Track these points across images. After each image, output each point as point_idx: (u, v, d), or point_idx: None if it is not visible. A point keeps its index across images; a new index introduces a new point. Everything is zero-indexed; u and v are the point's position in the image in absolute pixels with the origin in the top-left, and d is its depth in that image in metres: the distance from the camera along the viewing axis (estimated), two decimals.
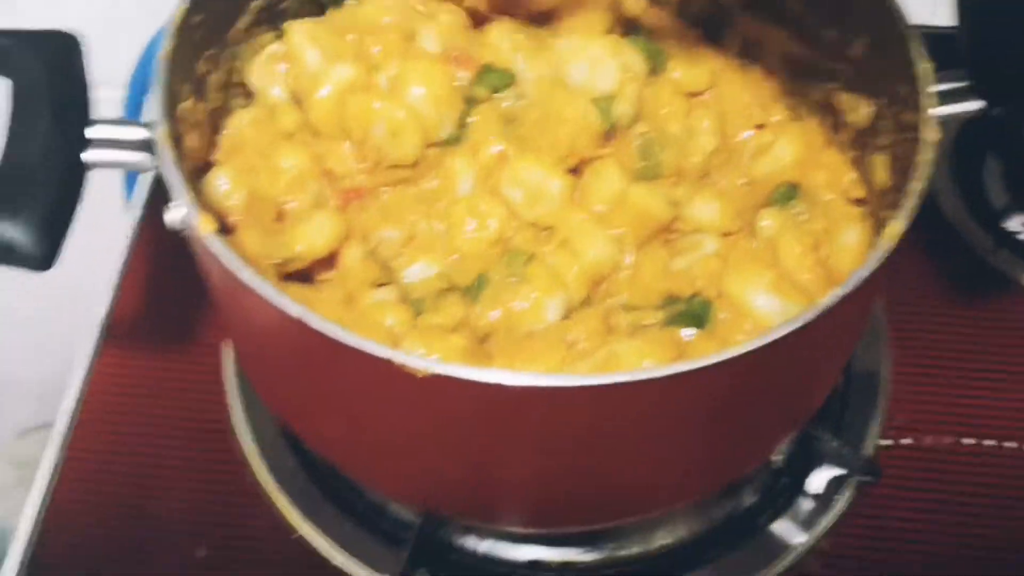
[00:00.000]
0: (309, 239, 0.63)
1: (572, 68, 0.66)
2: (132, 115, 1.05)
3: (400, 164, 0.65)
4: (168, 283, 0.87)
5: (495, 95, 0.67)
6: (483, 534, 0.72)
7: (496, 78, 0.66)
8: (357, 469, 0.65)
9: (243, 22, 0.68)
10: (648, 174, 0.65)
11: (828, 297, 0.51)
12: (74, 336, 0.98)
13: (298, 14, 0.71)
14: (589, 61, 0.65)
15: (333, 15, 0.71)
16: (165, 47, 0.60)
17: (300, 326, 0.50)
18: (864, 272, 0.52)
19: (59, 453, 0.78)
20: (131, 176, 1.11)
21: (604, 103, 0.66)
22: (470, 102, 0.66)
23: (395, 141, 0.63)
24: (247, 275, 0.52)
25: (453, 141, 0.66)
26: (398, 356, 0.48)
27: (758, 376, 0.53)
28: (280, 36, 0.70)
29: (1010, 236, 0.87)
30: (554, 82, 0.66)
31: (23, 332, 1.45)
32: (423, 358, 0.49)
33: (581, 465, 0.55)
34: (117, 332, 0.84)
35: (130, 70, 1.07)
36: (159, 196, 0.91)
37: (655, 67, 0.70)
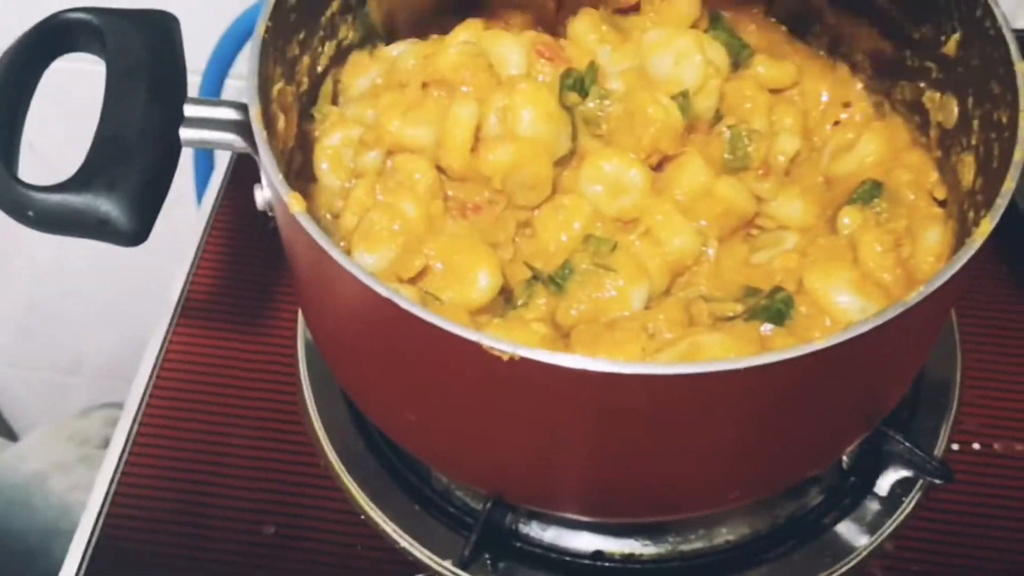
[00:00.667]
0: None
1: (656, 61, 0.66)
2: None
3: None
4: (242, 266, 0.88)
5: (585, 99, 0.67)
6: (547, 522, 0.73)
7: (583, 76, 0.66)
8: (431, 453, 0.65)
9: (333, 7, 0.69)
10: (735, 166, 0.65)
11: (912, 295, 0.51)
12: (138, 316, 1.00)
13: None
14: (674, 55, 0.65)
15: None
16: (259, 29, 0.61)
17: (390, 306, 0.51)
18: (950, 271, 0.52)
19: (130, 428, 0.80)
20: (201, 180, 1.13)
21: (686, 100, 0.66)
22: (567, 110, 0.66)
23: (530, 177, 0.64)
24: (337, 254, 0.53)
25: (569, 156, 0.66)
26: (486, 339, 0.49)
27: (836, 373, 0.53)
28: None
29: None
30: (639, 75, 0.66)
31: (87, 313, 1.48)
32: (509, 343, 0.49)
33: (655, 454, 0.55)
34: (191, 311, 0.86)
35: (205, 56, 1.08)
36: (237, 178, 0.93)
37: (738, 62, 0.70)
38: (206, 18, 1.03)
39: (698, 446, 0.55)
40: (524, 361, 0.49)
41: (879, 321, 0.50)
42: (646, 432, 0.54)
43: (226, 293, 0.87)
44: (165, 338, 0.84)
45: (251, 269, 0.88)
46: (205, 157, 1.12)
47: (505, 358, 0.49)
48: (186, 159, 1.14)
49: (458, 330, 0.50)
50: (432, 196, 0.64)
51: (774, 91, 0.70)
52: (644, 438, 0.54)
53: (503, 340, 0.49)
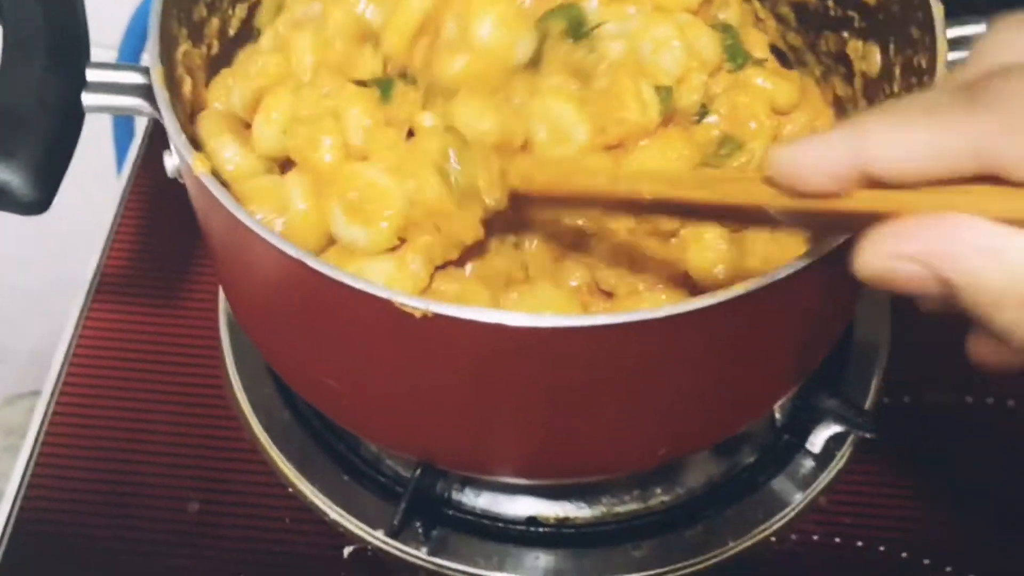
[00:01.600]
0: None
1: (639, 45, 0.64)
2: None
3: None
4: (159, 239, 0.86)
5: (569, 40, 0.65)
6: (480, 488, 0.72)
7: (568, 15, 0.64)
8: (355, 420, 0.64)
9: None
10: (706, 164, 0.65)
11: (835, 240, 0.50)
12: (61, 301, 0.98)
13: None
14: (654, 42, 0.64)
15: None
16: None
17: (300, 266, 0.49)
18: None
19: (46, 410, 0.77)
20: (122, 146, 1.10)
21: (667, 94, 0.64)
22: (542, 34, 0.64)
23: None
24: (244, 216, 0.51)
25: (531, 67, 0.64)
26: (397, 296, 0.48)
27: (760, 319, 0.52)
28: None
29: None
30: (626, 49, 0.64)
31: (9, 299, 1.44)
32: (421, 299, 0.48)
33: (581, 410, 0.54)
34: (107, 288, 0.83)
35: (121, 30, 1.06)
36: (153, 149, 0.91)
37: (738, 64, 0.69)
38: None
39: (623, 399, 0.54)
40: (437, 317, 0.48)
41: (801, 265, 0.50)
42: (568, 388, 0.53)
43: (143, 268, 0.85)
44: (80, 316, 0.82)
45: (168, 242, 0.85)
46: (125, 127, 1.10)
47: (418, 315, 0.48)
48: (107, 132, 1.12)
49: (369, 288, 0.48)
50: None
51: None
52: (566, 394, 0.54)
53: (414, 297, 0.48)
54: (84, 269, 0.85)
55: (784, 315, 0.54)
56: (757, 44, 0.72)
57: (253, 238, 0.51)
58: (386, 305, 0.48)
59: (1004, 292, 0.38)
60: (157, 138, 0.91)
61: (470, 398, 0.54)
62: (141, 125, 0.95)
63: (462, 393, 0.54)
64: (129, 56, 1.05)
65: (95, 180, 0.96)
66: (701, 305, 0.48)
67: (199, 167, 0.53)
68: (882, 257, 0.40)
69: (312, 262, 0.49)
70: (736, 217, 0.56)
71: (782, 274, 0.49)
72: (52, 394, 0.78)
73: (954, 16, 0.60)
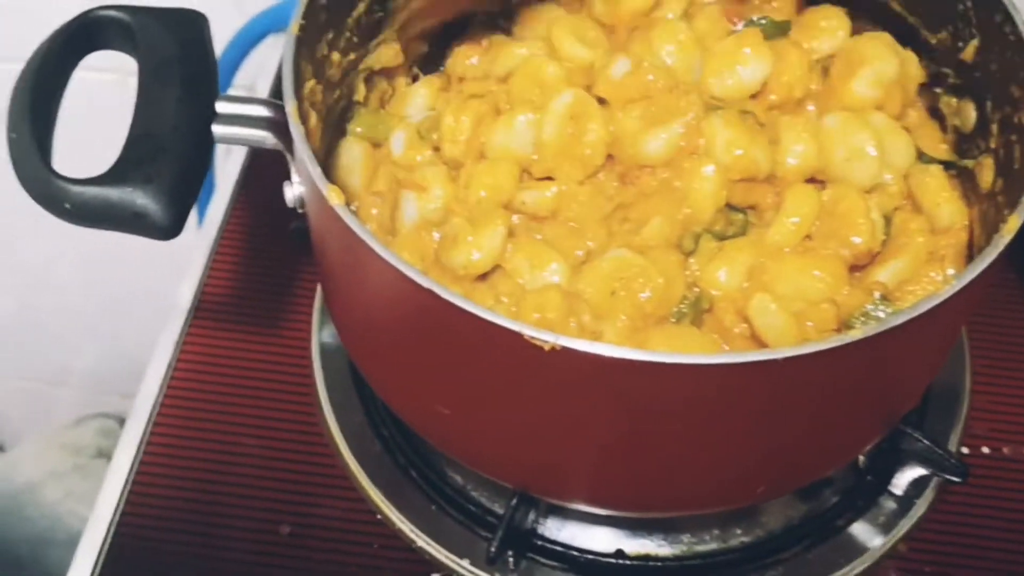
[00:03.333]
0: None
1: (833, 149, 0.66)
2: None
3: None
4: (255, 267, 0.89)
5: None
6: (564, 518, 0.74)
7: None
8: (460, 447, 0.66)
9: (360, 8, 0.70)
10: None
11: (944, 290, 0.52)
12: (125, 327, 0.99)
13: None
14: (848, 149, 0.66)
15: None
16: (294, 25, 0.62)
17: (430, 296, 0.51)
18: (980, 265, 0.53)
19: (144, 431, 0.79)
20: (203, 199, 1.13)
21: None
22: None
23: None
24: (378, 246, 0.53)
25: None
26: (528, 329, 0.50)
27: (852, 371, 0.54)
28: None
29: None
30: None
31: (74, 324, 1.47)
32: (550, 333, 0.50)
33: (693, 444, 0.56)
34: (203, 314, 0.86)
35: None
36: (251, 179, 0.93)
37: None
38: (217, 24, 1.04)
39: (734, 437, 0.56)
40: (564, 350, 0.49)
41: (910, 315, 0.51)
42: (677, 422, 0.55)
43: (239, 295, 0.87)
44: (178, 340, 0.84)
45: (264, 270, 0.88)
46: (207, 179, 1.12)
47: (547, 348, 0.49)
48: None
49: (499, 320, 0.50)
50: None
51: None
52: (674, 428, 0.55)
53: (544, 331, 0.50)
54: (152, 298, 0.87)
55: (885, 363, 0.56)
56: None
57: (384, 267, 0.53)
58: (515, 337, 0.50)
59: None
60: (256, 168, 0.94)
61: (587, 429, 0.56)
62: (235, 162, 0.97)
63: (579, 424, 0.56)
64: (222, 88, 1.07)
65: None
66: (813, 349, 0.50)
67: (334, 199, 0.55)
68: None
69: (444, 293, 0.51)
70: None
71: (917, 312, 0.50)
72: (149, 414, 0.80)
73: None
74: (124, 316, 1.36)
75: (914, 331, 0.51)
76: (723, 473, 0.59)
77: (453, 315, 0.51)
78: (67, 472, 1.33)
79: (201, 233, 0.90)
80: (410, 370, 0.61)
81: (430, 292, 0.51)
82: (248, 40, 1.07)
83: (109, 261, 1.29)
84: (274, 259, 0.88)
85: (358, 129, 0.72)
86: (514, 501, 0.69)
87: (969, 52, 0.67)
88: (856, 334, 0.49)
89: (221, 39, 1.06)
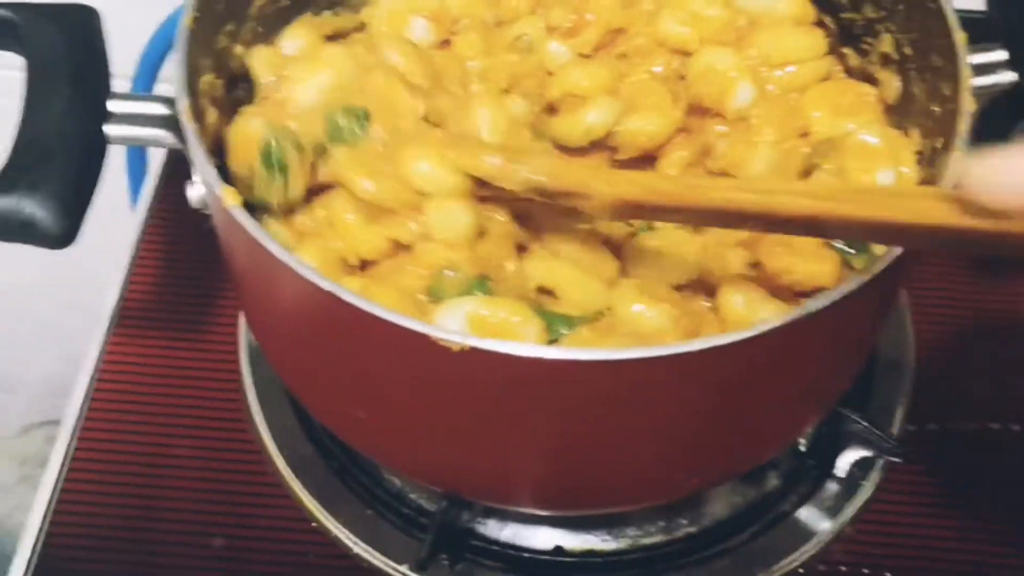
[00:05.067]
0: None
1: None
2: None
3: None
4: (179, 270, 0.86)
5: None
6: (504, 519, 0.71)
7: None
8: (383, 452, 0.64)
9: None
10: None
11: (860, 274, 0.50)
12: (77, 331, 0.97)
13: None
14: None
15: None
16: (186, 19, 0.59)
17: (331, 299, 0.49)
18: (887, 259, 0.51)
19: (69, 444, 0.77)
20: (136, 178, 1.10)
21: None
22: None
23: None
24: (274, 247, 0.51)
25: None
26: (435, 331, 0.47)
27: (781, 355, 0.52)
28: None
29: None
30: None
31: (19, 329, 1.44)
32: (458, 333, 0.48)
33: (612, 440, 0.54)
34: (128, 320, 0.83)
35: (136, 59, 1.05)
36: (170, 180, 0.90)
37: None
38: (138, 21, 1.01)
39: (655, 431, 0.54)
40: (474, 351, 0.47)
41: (824, 303, 0.49)
42: (599, 419, 0.53)
43: (164, 299, 0.84)
44: (102, 348, 0.81)
45: (188, 273, 0.85)
46: (138, 159, 1.09)
47: (455, 349, 0.47)
48: (119, 164, 1.11)
49: (406, 322, 0.48)
50: None
51: None
52: (598, 426, 0.53)
53: (452, 332, 0.47)
54: (97, 299, 0.85)
55: (804, 350, 0.54)
56: None
57: (284, 270, 0.50)
58: (423, 339, 0.47)
59: None
60: (176, 168, 0.91)
61: (502, 429, 0.54)
62: (155, 156, 0.95)
63: (494, 424, 0.54)
64: (143, 86, 1.04)
65: (108, 211, 0.95)
66: (732, 340, 0.48)
67: (229, 200, 0.53)
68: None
69: (345, 295, 0.48)
70: (844, 231, 0.54)
71: (820, 304, 0.48)
72: (75, 426, 0.77)
73: (975, 43, 0.60)
74: (74, 318, 1.33)
75: (829, 318, 0.49)
76: (648, 468, 0.57)
77: (357, 318, 0.49)
78: (13, 484, 1.31)
79: (114, 238, 0.87)
80: (322, 373, 0.59)
81: (332, 295, 0.49)
82: (172, 34, 1.04)
83: (59, 265, 1.26)
84: (201, 259, 0.85)
85: None
86: (444, 503, 0.67)
87: (893, 24, 0.66)
88: (773, 322, 0.47)
89: (147, 33, 1.03)
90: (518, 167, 0.56)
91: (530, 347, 0.48)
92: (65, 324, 1.38)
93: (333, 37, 0.71)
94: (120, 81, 1.01)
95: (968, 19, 0.61)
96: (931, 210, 0.46)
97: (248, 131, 0.60)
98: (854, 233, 0.53)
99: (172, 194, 0.89)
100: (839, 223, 0.50)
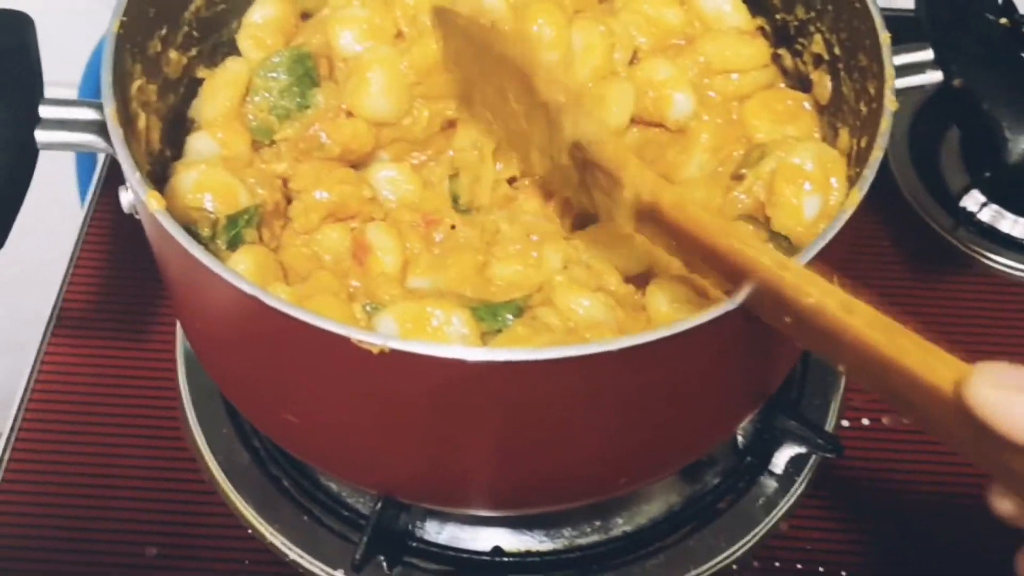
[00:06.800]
0: None
1: None
2: None
3: None
4: (118, 274, 0.85)
5: None
6: (442, 520, 0.72)
7: None
8: (315, 455, 0.63)
9: (197, 2, 0.67)
10: None
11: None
12: (23, 337, 0.96)
13: None
14: None
15: None
16: (114, 22, 0.59)
17: (255, 303, 0.49)
18: (821, 242, 0.52)
19: (4, 450, 0.76)
20: (84, 179, 1.09)
21: None
22: None
23: None
24: (199, 253, 0.51)
25: None
26: (355, 333, 0.48)
27: (712, 351, 0.53)
28: None
29: (968, 214, 0.88)
30: None
31: None
32: (378, 336, 0.48)
33: (538, 440, 0.54)
34: (66, 323, 0.82)
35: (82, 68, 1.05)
36: (111, 184, 0.90)
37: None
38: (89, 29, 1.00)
39: (581, 429, 0.54)
40: (395, 353, 0.47)
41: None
42: (525, 419, 0.53)
43: (103, 303, 0.84)
44: (38, 352, 0.81)
45: (128, 277, 0.85)
46: (87, 160, 1.08)
47: (376, 351, 0.47)
48: (69, 165, 1.10)
49: (326, 324, 0.48)
50: None
51: None
52: (523, 425, 0.53)
53: (373, 333, 0.48)
54: (40, 300, 0.84)
55: (735, 346, 0.54)
56: None
57: (208, 275, 0.50)
58: (343, 342, 0.47)
59: None
60: (115, 172, 0.90)
61: (429, 431, 0.54)
62: (100, 158, 0.95)
63: (421, 426, 0.54)
64: (89, 94, 1.03)
65: (58, 212, 0.94)
66: (654, 337, 0.48)
67: (154, 204, 0.53)
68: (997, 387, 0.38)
69: (268, 299, 0.49)
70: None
71: (728, 308, 0.49)
72: (11, 431, 0.77)
73: (901, 44, 0.61)
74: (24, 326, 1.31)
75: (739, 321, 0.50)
76: (573, 467, 0.57)
77: (282, 322, 0.49)
78: None
79: (65, 240, 0.87)
80: (252, 377, 0.59)
81: (254, 299, 0.49)
82: None
83: (10, 269, 1.24)
84: (141, 264, 0.85)
85: None
86: (379, 505, 0.67)
87: (823, 24, 0.67)
88: (688, 323, 0.48)
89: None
90: (568, 119, 0.56)
91: (450, 348, 0.48)
92: (12, 331, 1.36)
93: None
94: (69, 89, 1.01)
95: (899, 18, 0.62)
96: (940, 376, 0.41)
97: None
98: (863, 365, 0.46)
99: (112, 197, 0.88)
100: (855, 346, 0.45)
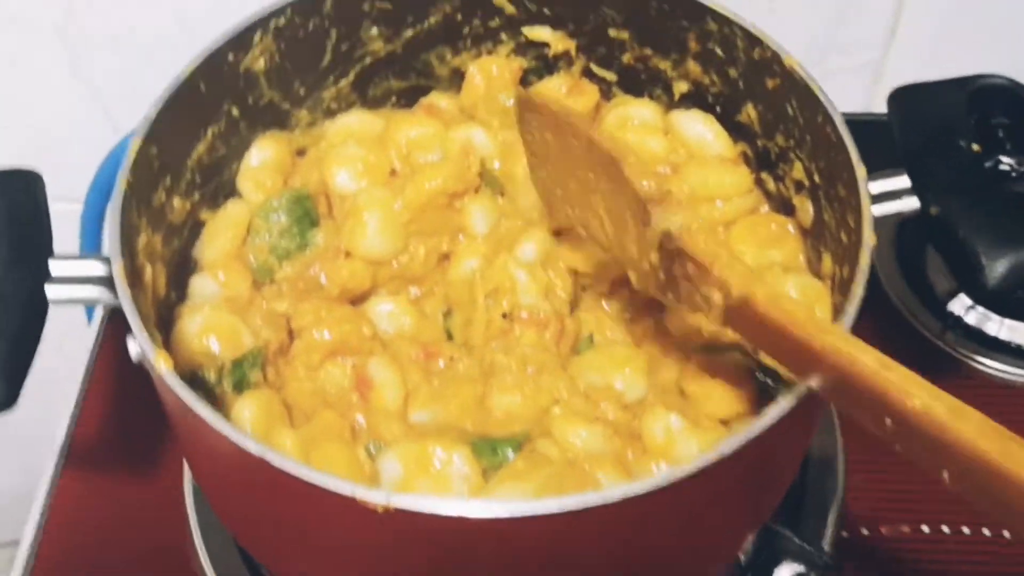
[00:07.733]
0: None
1: None
2: (90, 232, 1.04)
3: None
4: (129, 406, 0.87)
5: None
6: None
7: None
8: None
9: (201, 148, 0.70)
10: None
11: (773, 408, 0.52)
12: (36, 456, 0.97)
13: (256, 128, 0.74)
14: None
15: None
16: (121, 183, 0.61)
17: (261, 463, 0.50)
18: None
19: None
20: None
21: None
22: None
23: None
24: (207, 413, 0.52)
25: None
26: (360, 491, 0.49)
27: (711, 489, 0.54)
28: None
29: (955, 318, 0.89)
30: None
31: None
32: (382, 493, 0.49)
33: None
34: (78, 455, 0.84)
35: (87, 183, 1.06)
36: (120, 317, 0.91)
37: None
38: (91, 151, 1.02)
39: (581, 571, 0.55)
40: (398, 511, 0.49)
41: (747, 438, 0.51)
42: (537, 567, 0.54)
43: (114, 435, 0.85)
44: (51, 484, 0.82)
45: (135, 412, 0.86)
46: None
47: (379, 509, 0.49)
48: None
49: (331, 484, 0.49)
50: None
51: None
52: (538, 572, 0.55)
53: (375, 491, 0.49)
54: (54, 427, 0.85)
55: (733, 480, 0.56)
56: None
57: (216, 435, 0.52)
58: (348, 501, 0.49)
59: None
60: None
61: None
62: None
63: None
64: (95, 207, 1.04)
65: (64, 335, 0.96)
66: (657, 485, 0.50)
67: (161, 364, 0.54)
68: None
69: (274, 459, 0.50)
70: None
71: (725, 450, 0.51)
72: (28, 555, 0.78)
73: (877, 171, 0.63)
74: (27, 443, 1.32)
75: (738, 457, 0.51)
76: None
77: (286, 480, 0.50)
78: None
79: (71, 371, 0.88)
80: (263, 528, 0.60)
81: (261, 460, 0.50)
82: (108, 184, 1.04)
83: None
84: (149, 396, 0.86)
85: None
86: None
87: (803, 155, 0.69)
88: (681, 470, 0.49)
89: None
90: (657, 208, 0.56)
91: (452, 503, 0.49)
92: (28, 445, 1.37)
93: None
94: (73, 204, 1.02)
95: (877, 123, 0.65)
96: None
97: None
98: (969, 474, 0.44)
99: (119, 330, 0.90)
100: (963, 453, 0.43)
